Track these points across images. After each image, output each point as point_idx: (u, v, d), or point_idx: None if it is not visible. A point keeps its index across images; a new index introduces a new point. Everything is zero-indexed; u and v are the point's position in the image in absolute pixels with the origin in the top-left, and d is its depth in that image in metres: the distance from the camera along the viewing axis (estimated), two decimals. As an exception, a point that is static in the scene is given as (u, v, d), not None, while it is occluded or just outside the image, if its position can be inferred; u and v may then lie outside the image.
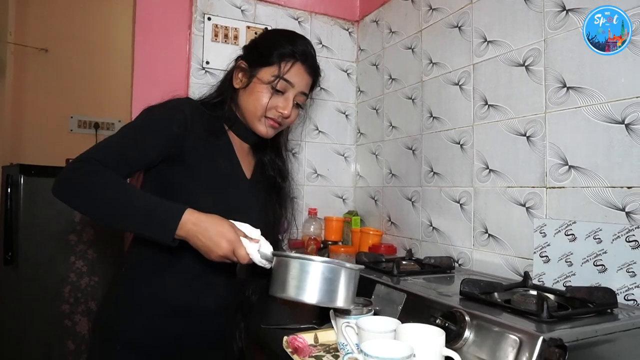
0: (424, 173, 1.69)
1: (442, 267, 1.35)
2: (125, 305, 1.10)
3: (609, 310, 0.92)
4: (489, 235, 1.38)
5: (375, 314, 1.07)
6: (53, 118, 3.46)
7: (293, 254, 0.92)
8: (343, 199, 2.14)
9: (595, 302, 0.93)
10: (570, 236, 1.13)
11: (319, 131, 2.10)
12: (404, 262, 1.44)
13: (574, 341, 0.76)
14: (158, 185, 1.10)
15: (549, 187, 1.20)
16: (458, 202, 1.51)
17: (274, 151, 1.34)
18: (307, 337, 1.04)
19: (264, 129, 1.18)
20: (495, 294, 1.05)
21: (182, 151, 1.08)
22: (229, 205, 1.15)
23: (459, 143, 1.52)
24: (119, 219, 0.94)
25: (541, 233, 1.21)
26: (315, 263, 0.89)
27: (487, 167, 1.40)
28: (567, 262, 1.14)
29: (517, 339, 0.76)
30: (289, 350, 0.96)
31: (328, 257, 1.67)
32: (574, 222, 1.13)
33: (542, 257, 1.20)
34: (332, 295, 0.89)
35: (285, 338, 1.01)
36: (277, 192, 1.32)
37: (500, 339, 0.79)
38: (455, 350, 0.82)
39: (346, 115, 2.16)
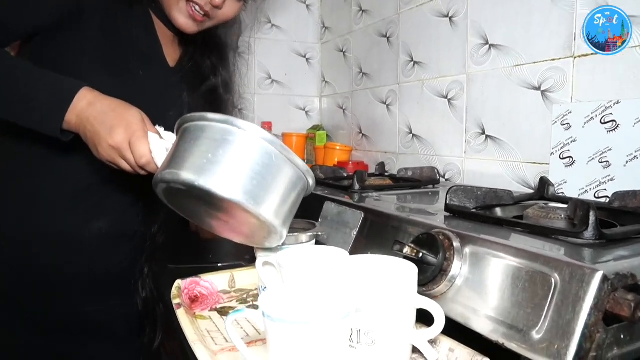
0: (401, 65, 1.29)
1: (423, 181, 1.00)
2: None
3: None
4: (487, 137, 1.01)
5: (319, 243, 0.73)
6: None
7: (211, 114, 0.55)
8: (306, 112, 1.74)
9: (662, 214, 0.58)
10: (610, 124, 0.76)
11: (273, 25, 1.66)
12: (372, 178, 1.08)
13: (653, 278, 0.41)
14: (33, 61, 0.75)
15: (578, 56, 0.82)
16: (446, 97, 1.13)
17: (216, 55, 0.96)
18: (217, 280, 0.70)
19: (182, 18, 0.82)
20: (499, 209, 0.69)
21: (76, 12, 0.75)
22: (137, 92, 0.80)
23: (447, 16, 1.11)
24: None
25: (563, 125, 0.84)
26: (245, 132, 0.52)
27: (487, 42, 1.00)
28: (601, 162, 0.78)
29: (550, 277, 0.40)
30: (176, 302, 0.61)
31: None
32: (617, 103, 0.75)
33: (562, 159, 0.84)
34: (257, 192, 0.52)
35: (177, 283, 0.66)
36: (213, 97, 0.95)
37: (518, 279, 0.43)
38: (435, 298, 0.47)
39: (307, 5, 1.71)
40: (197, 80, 0.95)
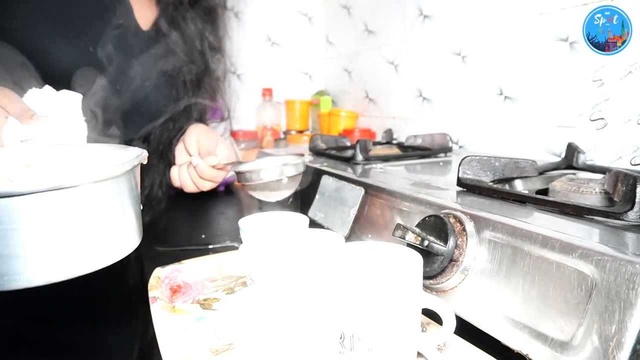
0: (410, 19, 1.16)
1: (434, 150, 0.90)
2: None
3: None
4: (506, 97, 0.91)
5: (316, 225, 0.65)
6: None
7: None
8: (309, 76, 1.63)
9: None
10: (651, 78, 0.66)
11: (270, -19, 1.53)
12: (378, 147, 0.99)
13: None
14: None
15: (616, -1, 0.70)
16: (459, 55, 1.01)
17: (201, 16, 0.84)
18: (203, 267, 0.63)
19: None
20: (519, 181, 0.60)
21: None
22: (101, 55, 0.70)
23: (461, -40, 0.98)
24: None
25: (596, 81, 0.73)
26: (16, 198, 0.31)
27: (506, -11, 0.88)
28: (640, 123, 0.67)
29: (587, 274, 0.32)
30: (152, 294, 0.54)
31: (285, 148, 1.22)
32: (661, 53, 0.64)
33: (593, 120, 0.74)
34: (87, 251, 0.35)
35: (156, 272, 0.59)
36: (199, 68, 0.84)
37: (545, 274, 0.35)
38: (445, 293, 0.40)
39: (307, -42, 1.58)
40: (178, 47, 0.84)
